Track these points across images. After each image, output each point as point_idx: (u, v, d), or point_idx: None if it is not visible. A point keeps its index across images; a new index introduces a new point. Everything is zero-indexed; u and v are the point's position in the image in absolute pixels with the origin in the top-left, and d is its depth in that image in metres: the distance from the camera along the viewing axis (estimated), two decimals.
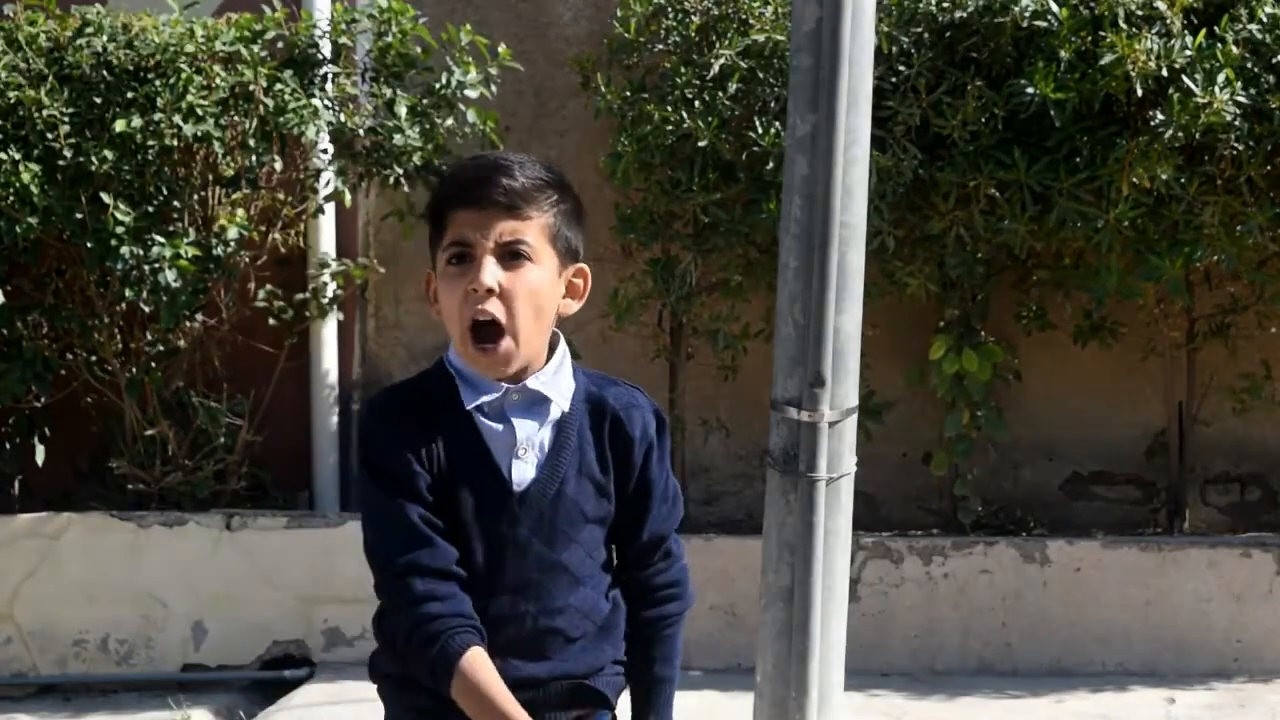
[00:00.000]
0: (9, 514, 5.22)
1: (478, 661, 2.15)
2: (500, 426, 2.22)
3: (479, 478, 2.21)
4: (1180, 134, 4.76)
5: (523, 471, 2.22)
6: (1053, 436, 5.66)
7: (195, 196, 5.11)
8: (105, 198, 4.89)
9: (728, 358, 5.37)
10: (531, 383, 2.22)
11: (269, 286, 5.41)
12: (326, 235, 5.54)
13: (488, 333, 2.18)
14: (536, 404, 2.24)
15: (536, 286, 2.20)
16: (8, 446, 5.40)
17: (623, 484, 2.29)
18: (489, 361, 2.19)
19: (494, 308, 2.17)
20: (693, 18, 5.19)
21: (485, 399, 2.22)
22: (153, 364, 5.24)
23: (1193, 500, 5.56)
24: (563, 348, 2.28)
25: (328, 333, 5.57)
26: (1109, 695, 4.94)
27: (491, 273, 2.17)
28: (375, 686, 2.34)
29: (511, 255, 2.18)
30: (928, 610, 5.18)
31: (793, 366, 3.18)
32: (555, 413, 2.24)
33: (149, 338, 5.24)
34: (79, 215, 4.91)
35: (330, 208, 5.45)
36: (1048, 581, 5.16)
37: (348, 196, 5.31)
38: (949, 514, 5.50)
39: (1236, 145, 4.82)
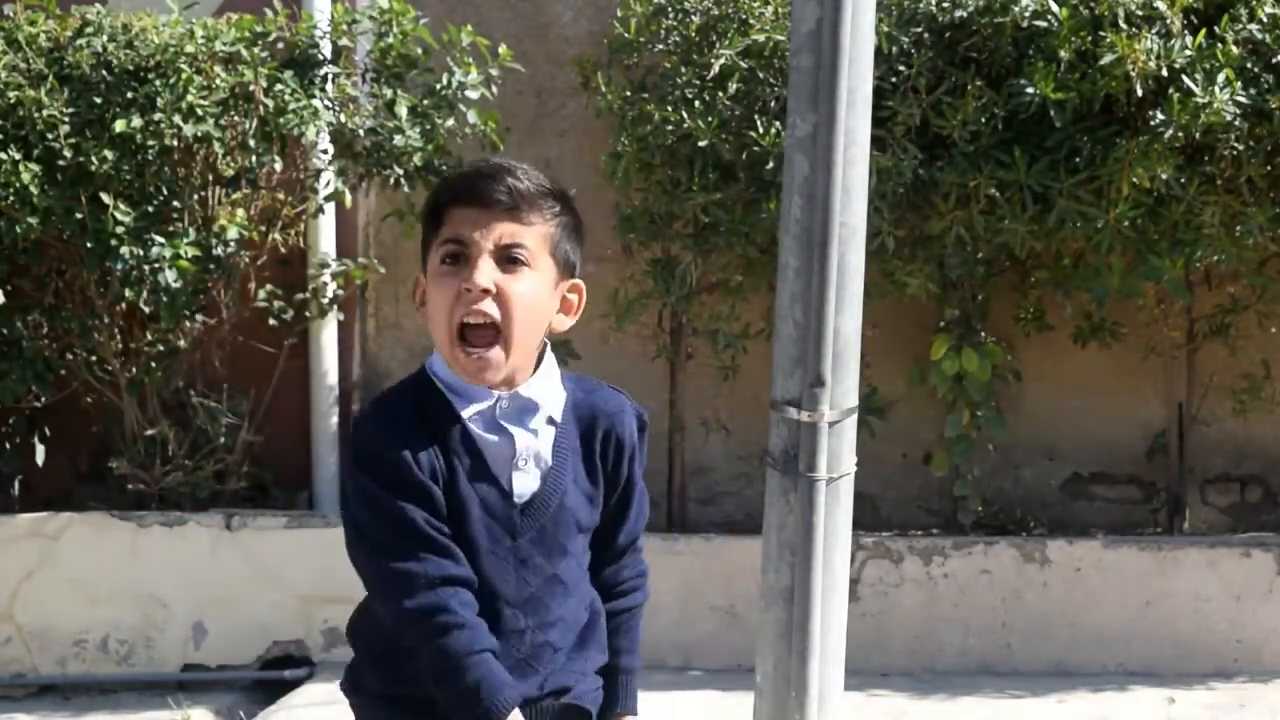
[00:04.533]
0: (9, 514, 5.22)
1: None
2: (496, 437, 2.16)
3: (480, 490, 2.15)
4: (1180, 134, 4.75)
5: (524, 483, 2.17)
6: (1053, 436, 5.65)
7: (195, 196, 5.10)
8: (105, 198, 4.89)
9: (728, 358, 5.37)
10: (524, 390, 2.16)
11: (269, 286, 5.40)
12: (326, 235, 5.53)
13: (477, 337, 2.12)
14: (527, 412, 2.17)
15: (532, 293, 2.13)
16: (8, 446, 5.40)
17: (611, 491, 2.26)
18: (476, 366, 2.12)
19: (488, 309, 2.11)
20: (693, 18, 5.19)
21: (477, 407, 2.15)
22: (153, 364, 5.24)
23: (1193, 500, 5.56)
24: (550, 356, 2.22)
25: (328, 333, 5.57)
26: (1109, 695, 4.93)
27: (488, 273, 2.10)
28: (350, 703, 2.26)
29: (509, 259, 2.12)
30: (928, 610, 5.17)
31: (793, 366, 3.18)
32: (546, 421, 2.18)
33: (149, 338, 5.24)
34: (79, 215, 4.91)
35: (330, 208, 5.45)
36: (1048, 581, 5.16)
37: (348, 197, 5.31)
38: (949, 514, 5.50)
39: (1236, 145, 4.82)
